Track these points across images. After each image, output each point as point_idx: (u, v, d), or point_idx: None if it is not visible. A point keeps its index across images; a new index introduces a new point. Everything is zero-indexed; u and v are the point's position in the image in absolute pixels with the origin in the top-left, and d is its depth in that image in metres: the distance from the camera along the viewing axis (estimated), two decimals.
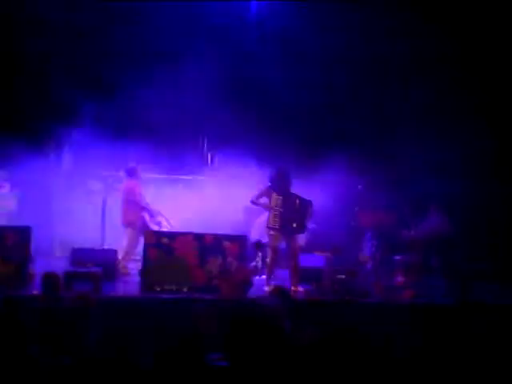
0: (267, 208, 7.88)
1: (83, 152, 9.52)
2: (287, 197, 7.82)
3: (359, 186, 9.38)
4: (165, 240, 7.53)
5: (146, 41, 10.37)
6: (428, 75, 10.21)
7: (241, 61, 10.64)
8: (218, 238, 7.59)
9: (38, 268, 7.20)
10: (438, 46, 10.17)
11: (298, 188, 8.19)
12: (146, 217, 8.62)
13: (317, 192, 8.80)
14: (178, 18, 10.39)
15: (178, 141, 10.16)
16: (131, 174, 8.64)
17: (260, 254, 8.52)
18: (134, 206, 8.52)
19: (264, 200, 7.93)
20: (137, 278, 7.73)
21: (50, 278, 6.07)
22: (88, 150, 9.38)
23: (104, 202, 8.87)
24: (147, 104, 9.55)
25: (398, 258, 8.49)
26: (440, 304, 7.36)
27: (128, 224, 8.51)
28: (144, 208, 8.59)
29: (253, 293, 7.37)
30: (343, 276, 7.54)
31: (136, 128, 9.66)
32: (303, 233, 7.98)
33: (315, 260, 8.59)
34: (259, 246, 8.34)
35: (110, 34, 10.22)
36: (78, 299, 5.50)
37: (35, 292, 6.64)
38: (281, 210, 7.77)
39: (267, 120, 10.47)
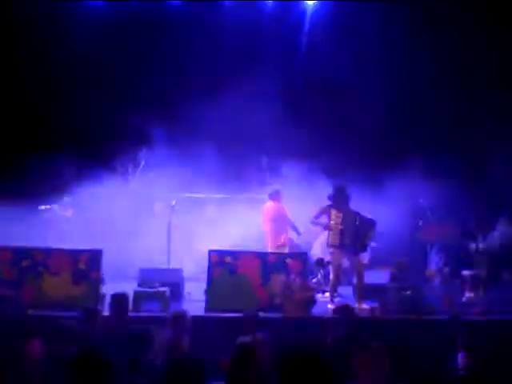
0: (327, 228, 7.87)
1: (149, 174, 9.75)
2: (347, 214, 7.77)
3: (420, 200, 9.19)
4: (228, 259, 7.61)
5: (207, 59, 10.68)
6: None
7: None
8: (281, 256, 7.63)
9: (109, 289, 7.40)
10: None
11: (362, 203, 8.15)
12: (294, 237, 8.82)
13: (381, 207, 8.75)
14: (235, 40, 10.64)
15: (239, 160, 10.30)
16: (275, 196, 8.84)
17: (322, 271, 8.50)
18: (284, 229, 8.72)
19: (324, 219, 7.92)
20: (202, 298, 7.81)
21: (118, 300, 6.24)
22: (154, 171, 9.61)
23: (169, 224, 9.05)
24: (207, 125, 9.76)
25: (465, 272, 8.25)
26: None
27: (279, 246, 8.65)
28: (293, 228, 8.79)
29: (316, 310, 7.37)
30: (408, 292, 7.39)
31: (198, 149, 9.82)
32: (364, 252, 7.89)
33: (379, 276, 8.48)
34: (321, 263, 8.32)
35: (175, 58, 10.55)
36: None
37: (106, 313, 6.85)
38: (341, 227, 7.74)
39: (329, 136, 10.46)
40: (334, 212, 7.82)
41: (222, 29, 10.96)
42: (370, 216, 7.89)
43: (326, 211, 7.90)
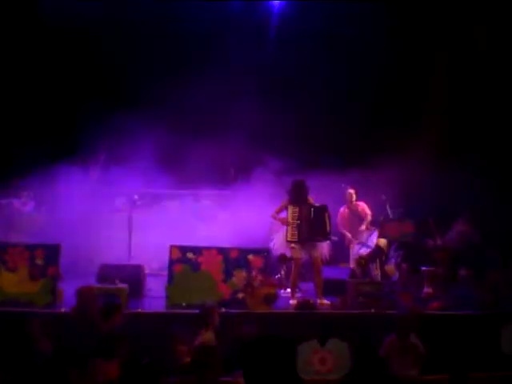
0: (284, 223, 7.91)
1: (109, 169, 9.63)
2: (302, 208, 7.84)
3: (383, 197, 9.32)
4: (190, 255, 7.56)
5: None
6: None
7: None
8: (243, 252, 7.60)
9: (66, 285, 7.29)
10: None
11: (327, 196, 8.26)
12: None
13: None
14: None
15: (202, 156, 10.26)
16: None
17: (284, 267, 8.53)
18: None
19: (284, 214, 7.97)
20: (163, 294, 7.75)
21: (84, 293, 6.15)
22: (114, 167, 9.50)
23: (130, 219, 8.95)
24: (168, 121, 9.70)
25: (424, 268, 8.40)
26: (468, 315, 7.25)
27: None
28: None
29: (278, 306, 7.41)
30: (368, 288, 7.48)
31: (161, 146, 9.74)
32: (328, 240, 7.95)
33: (340, 272, 8.57)
34: (283, 259, 8.34)
35: None
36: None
37: (63, 310, 6.75)
38: (297, 221, 7.79)
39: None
40: (290, 207, 7.88)
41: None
42: (319, 203, 7.95)
43: (285, 206, 7.95)
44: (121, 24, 10.65)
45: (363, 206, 9.15)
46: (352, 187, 9.20)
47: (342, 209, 9.22)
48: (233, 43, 10.69)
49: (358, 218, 9.09)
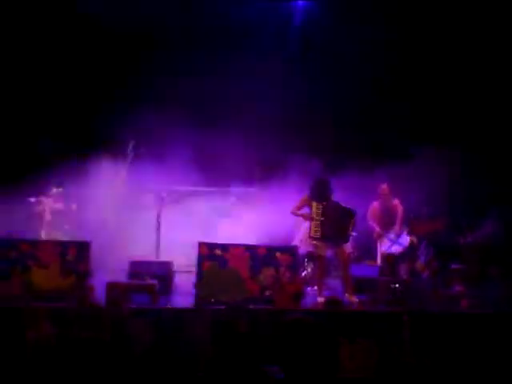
0: (307, 218, 7.88)
1: (138, 166, 9.71)
2: (327, 206, 7.79)
3: (411, 195, 9.24)
4: (218, 252, 7.60)
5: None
6: None
7: None
8: (270, 250, 7.62)
9: (98, 281, 7.39)
10: None
11: (353, 192, 8.17)
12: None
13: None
14: None
15: (229, 154, 10.29)
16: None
17: (311, 264, 8.51)
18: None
19: (305, 210, 7.93)
20: (192, 291, 7.79)
21: (114, 289, 6.22)
22: (143, 164, 9.58)
23: (158, 216, 9.01)
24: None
25: (454, 266, 8.30)
26: (498, 313, 7.15)
27: None
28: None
29: (306, 303, 7.40)
30: (397, 285, 7.42)
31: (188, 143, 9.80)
32: (346, 242, 7.92)
33: (369, 270, 8.51)
34: (311, 256, 8.32)
35: None
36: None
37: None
38: (322, 218, 7.76)
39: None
40: (314, 204, 7.83)
41: None
42: (349, 206, 7.91)
43: (306, 203, 7.91)
44: (151, 19, 10.67)
45: (396, 203, 9.06)
46: (386, 182, 9.12)
47: (374, 202, 9.15)
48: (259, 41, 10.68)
49: (389, 213, 9.00)
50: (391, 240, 8.83)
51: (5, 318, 6.26)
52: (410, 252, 8.68)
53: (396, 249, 8.75)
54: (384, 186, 9.08)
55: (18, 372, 4.64)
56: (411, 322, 6.58)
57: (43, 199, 9.38)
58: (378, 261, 8.85)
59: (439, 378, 5.96)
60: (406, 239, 8.79)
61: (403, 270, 8.55)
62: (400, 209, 9.00)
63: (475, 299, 7.48)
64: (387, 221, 8.98)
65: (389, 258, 8.61)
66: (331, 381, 2.84)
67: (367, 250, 9.29)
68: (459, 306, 7.35)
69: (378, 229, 8.97)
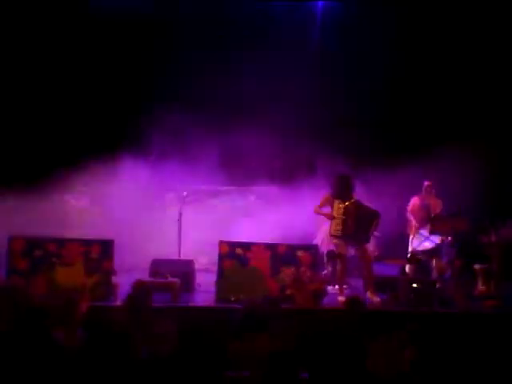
0: (329, 217, 7.85)
1: (161, 165, 9.78)
2: (350, 204, 7.76)
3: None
4: (239, 250, 7.62)
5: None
6: None
7: None
8: (291, 248, 7.61)
9: (121, 279, 7.46)
10: None
11: (372, 190, 8.11)
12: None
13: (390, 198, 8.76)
14: None
15: (251, 153, 10.31)
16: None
17: (332, 263, 8.48)
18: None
19: (327, 209, 7.91)
20: (213, 289, 7.83)
21: (139, 287, 6.25)
22: (166, 163, 9.65)
23: (180, 214, 9.07)
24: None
25: (478, 265, 8.21)
26: None
27: None
28: None
29: (327, 302, 7.38)
30: (419, 285, 7.35)
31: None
32: (367, 242, 7.87)
33: (390, 269, 8.46)
34: (332, 255, 8.29)
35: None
36: None
37: (119, 303, 6.89)
38: (343, 217, 7.73)
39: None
40: (336, 202, 7.80)
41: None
42: (373, 207, 7.85)
43: (328, 201, 7.88)
44: (176, 18, 10.73)
45: (437, 202, 8.93)
46: (429, 180, 9.03)
47: (415, 197, 9.01)
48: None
49: (428, 210, 8.86)
50: (424, 236, 8.71)
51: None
52: (439, 250, 8.58)
53: (427, 246, 8.65)
54: (427, 183, 9.00)
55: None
56: (434, 322, 6.52)
57: (66, 197, 9.50)
58: (408, 255, 8.74)
59: (464, 377, 5.89)
60: (437, 237, 8.68)
61: (434, 269, 8.46)
62: (440, 208, 8.90)
63: (499, 299, 7.38)
64: (424, 217, 8.86)
65: (412, 256, 8.52)
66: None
67: (390, 249, 9.23)
68: (483, 307, 7.25)
69: (414, 222, 8.86)
